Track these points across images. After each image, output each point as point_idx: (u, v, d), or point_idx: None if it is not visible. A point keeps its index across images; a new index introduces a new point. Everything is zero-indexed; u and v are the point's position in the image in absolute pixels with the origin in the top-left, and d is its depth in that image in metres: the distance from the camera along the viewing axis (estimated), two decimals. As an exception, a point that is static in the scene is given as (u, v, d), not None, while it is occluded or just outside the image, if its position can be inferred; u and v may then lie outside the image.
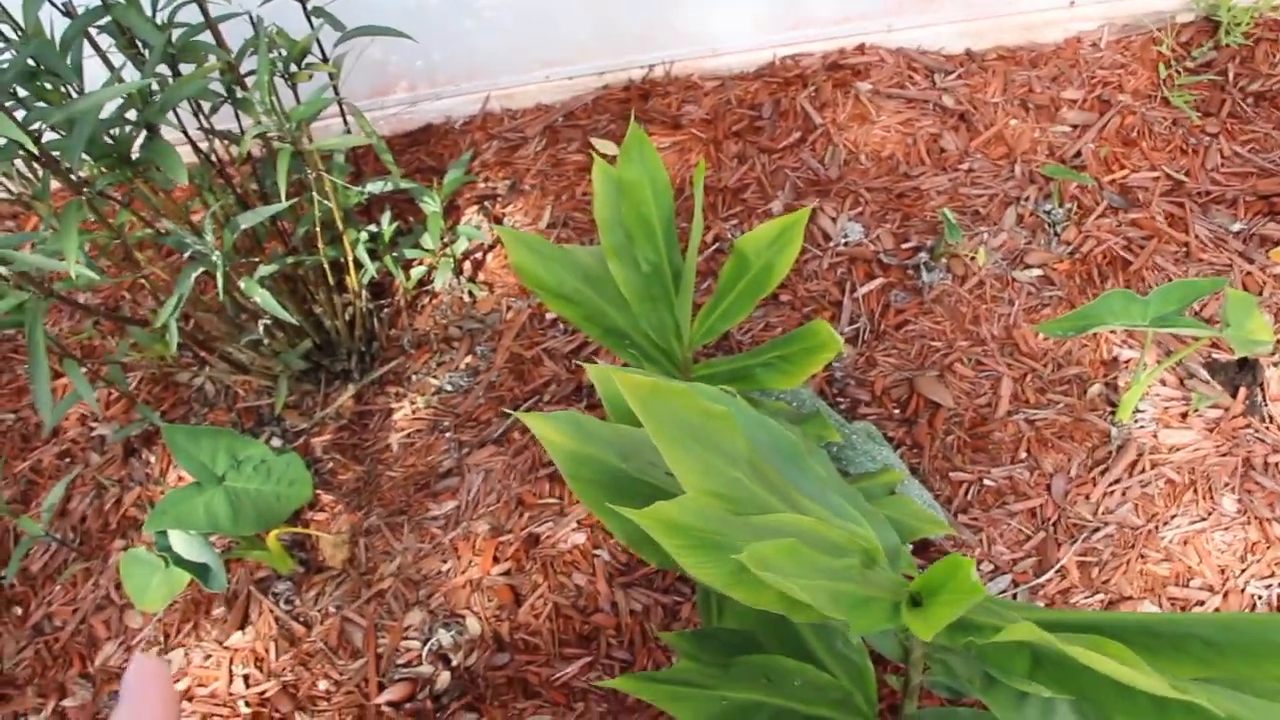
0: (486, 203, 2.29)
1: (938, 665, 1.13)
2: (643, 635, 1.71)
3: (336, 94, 1.85)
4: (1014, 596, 1.67)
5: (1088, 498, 1.76)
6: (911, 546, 1.72)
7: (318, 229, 1.78)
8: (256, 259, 1.82)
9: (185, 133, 1.73)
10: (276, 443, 2.02)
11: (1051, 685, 0.89)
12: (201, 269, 1.58)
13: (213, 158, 1.80)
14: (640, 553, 0.94)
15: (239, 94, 1.64)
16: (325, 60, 1.82)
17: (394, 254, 2.10)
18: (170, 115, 1.53)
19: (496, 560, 1.82)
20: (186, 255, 1.58)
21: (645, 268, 1.48)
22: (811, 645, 1.24)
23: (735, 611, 1.36)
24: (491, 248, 2.22)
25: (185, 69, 1.61)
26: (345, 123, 2.04)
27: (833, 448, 1.71)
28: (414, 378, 2.07)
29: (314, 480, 1.93)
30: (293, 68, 1.69)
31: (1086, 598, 1.67)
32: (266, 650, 1.79)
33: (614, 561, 1.79)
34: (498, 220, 2.26)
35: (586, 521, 1.83)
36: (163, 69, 1.61)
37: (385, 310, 2.15)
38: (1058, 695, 0.89)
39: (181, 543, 1.63)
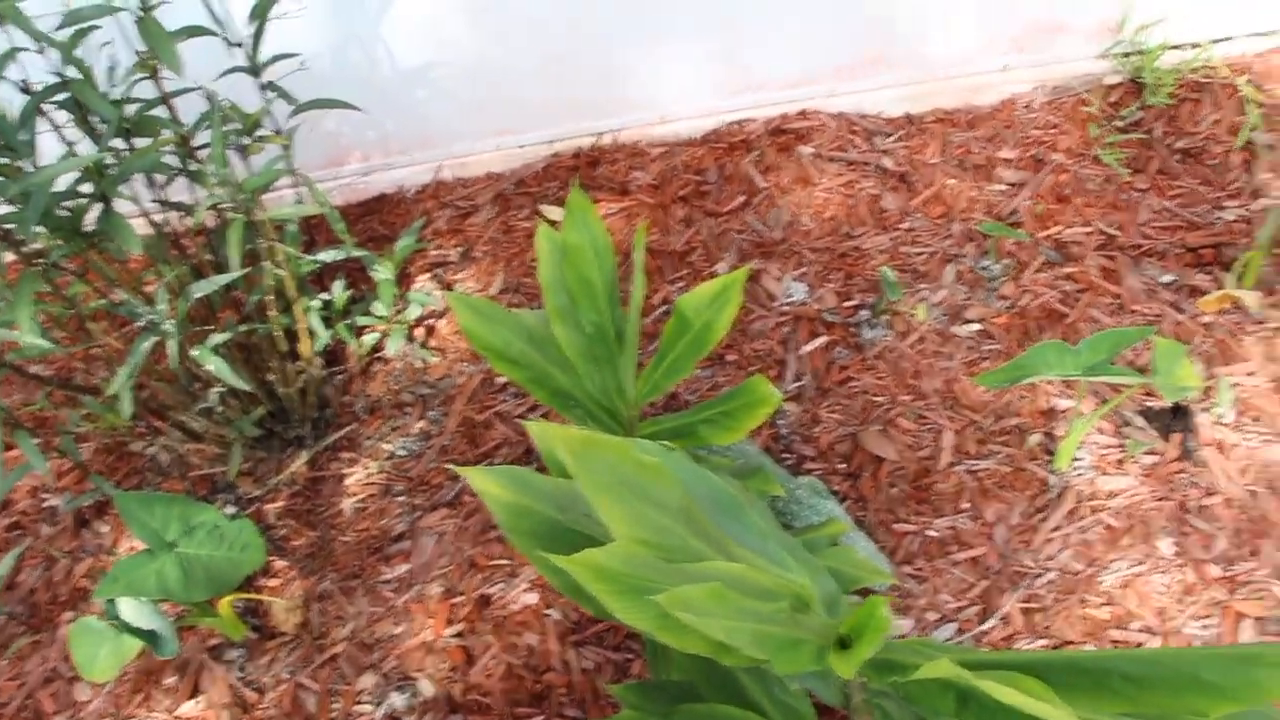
0: (438, 270, 2.33)
1: (877, 711, 1.16)
2: (594, 692, 1.73)
3: (289, 165, 1.89)
4: (959, 644, 1.70)
5: (1029, 545, 1.80)
6: (857, 597, 1.74)
7: (270, 297, 1.81)
8: (210, 328, 1.85)
9: (139, 205, 1.76)
10: (230, 510, 2.02)
11: (976, 723, 0.91)
12: (155, 338, 1.61)
13: (166, 229, 1.83)
14: (578, 601, 0.97)
15: (192, 166, 1.67)
16: (278, 133, 1.86)
17: (347, 321, 2.13)
18: (124, 188, 1.56)
19: (449, 622, 1.83)
20: (139, 325, 1.60)
21: (589, 329, 1.51)
22: (752, 694, 1.27)
23: (681, 665, 1.38)
24: (443, 314, 2.26)
25: (140, 143, 1.65)
26: (299, 193, 2.08)
27: (779, 502, 1.75)
28: (367, 443, 2.09)
29: (267, 546, 1.94)
30: (245, 140, 1.73)
31: (1030, 643, 1.70)
32: (219, 718, 1.79)
33: (565, 620, 1.80)
34: (449, 287, 2.30)
35: (538, 582, 1.85)
36: (117, 142, 1.64)
37: (338, 377, 2.17)
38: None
39: (131, 610, 1.64)
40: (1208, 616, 1.71)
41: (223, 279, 1.60)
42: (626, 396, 1.54)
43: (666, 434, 1.53)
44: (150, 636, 1.64)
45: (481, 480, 0.97)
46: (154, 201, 1.77)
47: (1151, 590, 1.74)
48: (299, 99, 1.84)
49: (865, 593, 1.76)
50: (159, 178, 1.76)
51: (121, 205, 1.57)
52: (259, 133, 1.76)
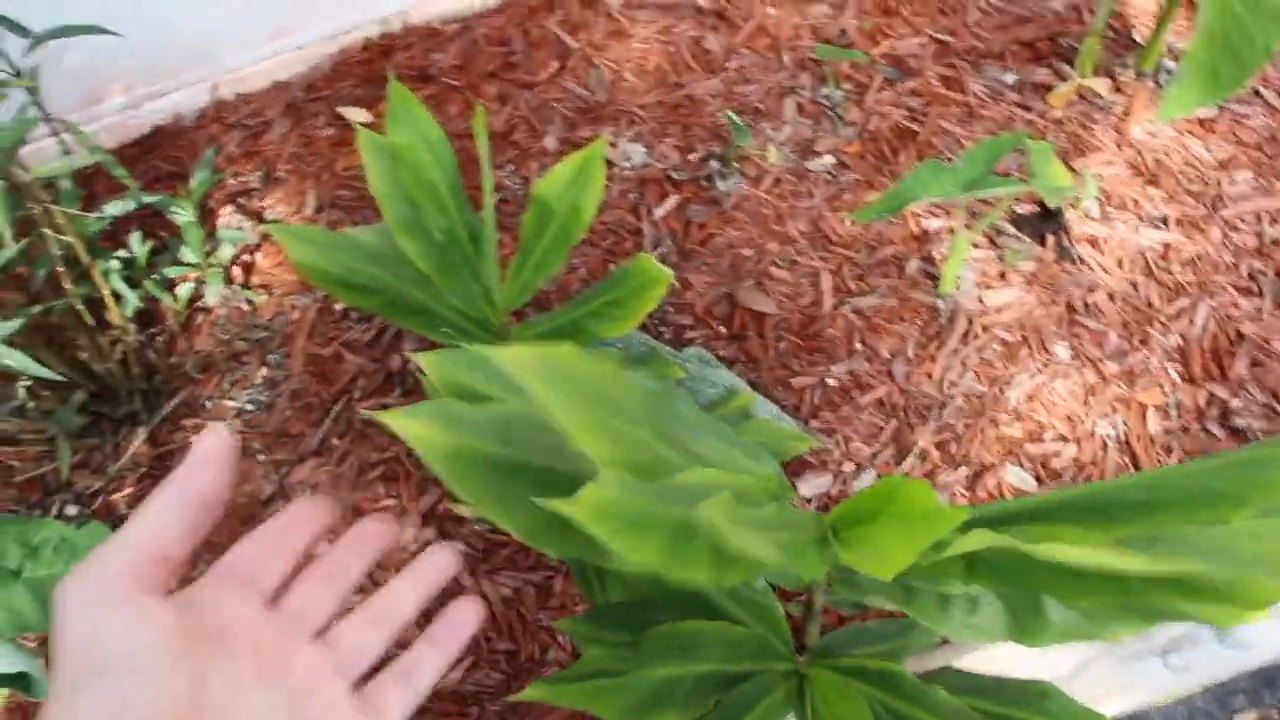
0: (241, 199, 2.09)
1: (841, 583, 1.07)
2: (521, 620, 1.61)
3: (41, 110, 1.62)
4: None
5: (930, 375, 1.74)
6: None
7: (60, 268, 1.57)
8: (-4, 315, 1.60)
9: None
10: (72, 510, 1.80)
11: (986, 583, 0.84)
12: (-68, 341, 1.37)
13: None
14: (537, 544, 0.83)
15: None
16: (18, 75, 1.59)
17: (154, 276, 1.89)
18: None
19: (345, 579, 1.68)
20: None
21: (439, 237, 1.35)
22: (713, 599, 1.17)
23: (619, 583, 1.27)
24: (258, 247, 2.03)
25: None
26: (61, 141, 1.81)
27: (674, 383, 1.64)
28: (208, 404, 1.88)
29: (121, 541, 1.73)
30: (-17, 90, 1.46)
31: (950, 474, 1.65)
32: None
33: (471, 551, 1.67)
34: (258, 216, 2.07)
35: (431, 516, 1.70)
36: None
37: (159, 339, 1.94)
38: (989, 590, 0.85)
39: (-14, 652, 1.43)
40: (1113, 413, 1.70)
41: (-1, 257, 1.36)
42: (495, 303, 1.39)
43: (550, 336, 1.39)
44: (19, 679, 1.43)
45: (407, 424, 0.79)
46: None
47: (1056, 398, 1.71)
48: (31, 30, 1.56)
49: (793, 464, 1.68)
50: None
51: None
52: (-4, 79, 1.49)
